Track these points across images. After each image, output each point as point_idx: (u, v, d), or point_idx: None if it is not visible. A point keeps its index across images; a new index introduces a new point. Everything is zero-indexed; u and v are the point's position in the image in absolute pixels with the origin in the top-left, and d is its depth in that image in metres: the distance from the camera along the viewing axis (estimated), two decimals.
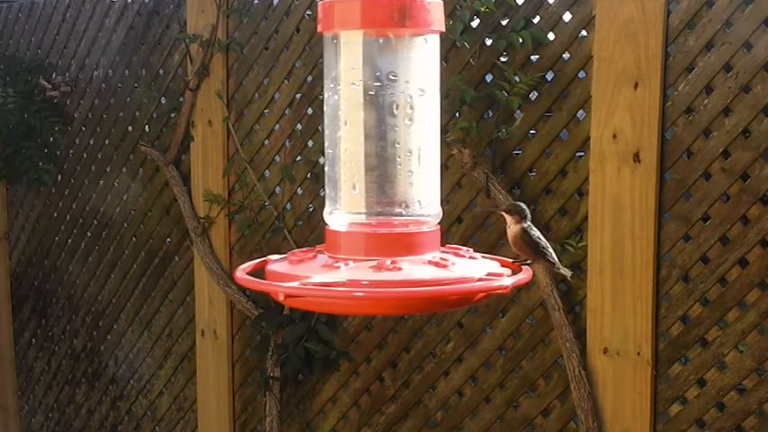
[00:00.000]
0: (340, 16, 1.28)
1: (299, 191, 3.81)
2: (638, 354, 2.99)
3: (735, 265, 2.84)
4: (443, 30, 1.30)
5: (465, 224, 3.34)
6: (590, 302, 3.06)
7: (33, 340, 5.23)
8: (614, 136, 2.95)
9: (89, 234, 4.72)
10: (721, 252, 2.86)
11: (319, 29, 1.30)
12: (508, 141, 3.19)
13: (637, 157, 2.92)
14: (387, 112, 1.30)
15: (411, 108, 1.31)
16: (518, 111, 3.18)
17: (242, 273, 1.31)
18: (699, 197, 2.88)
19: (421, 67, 1.32)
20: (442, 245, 1.38)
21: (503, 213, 1.62)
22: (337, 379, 3.80)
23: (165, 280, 4.39)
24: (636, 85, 2.89)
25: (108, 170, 4.55)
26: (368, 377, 3.71)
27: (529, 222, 1.59)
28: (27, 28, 4.85)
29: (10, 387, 5.33)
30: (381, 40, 1.30)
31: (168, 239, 4.34)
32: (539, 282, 3.11)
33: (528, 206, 3.09)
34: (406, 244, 1.31)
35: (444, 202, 3.35)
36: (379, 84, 1.29)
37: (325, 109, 1.35)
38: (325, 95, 1.34)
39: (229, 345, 4.11)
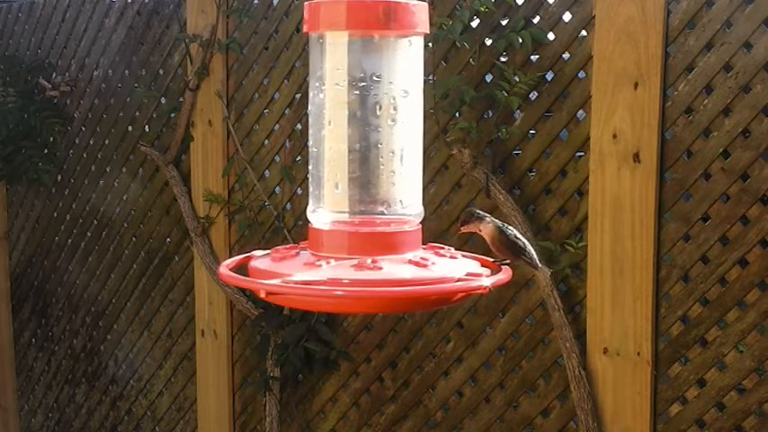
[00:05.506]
0: (325, 17, 1.28)
1: (299, 191, 3.81)
2: (638, 354, 2.98)
3: (735, 265, 2.83)
4: (428, 32, 1.31)
5: None
6: (590, 302, 3.05)
7: (33, 340, 5.23)
8: (614, 136, 2.94)
9: (89, 234, 4.73)
10: (721, 252, 2.85)
11: (305, 29, 1.31)
12: (508, 141, 3.18)
13: (637, 157, 2.91)
14: (370, 113, 1.31)
15: (394, 109, 1.31)
16: (518, 111, 3.17)
17: (225, 269, 1.32)
18: (699, 197, 2.87)
19: (405, 68, 1.32)
20: (425, 244, 1.38)
21: (469, 230, 1.59)
22: (337, 379, 3.80)
23: (165, 280, 4.39)
24: (636, 85, 2.89)
25: (108, 170, 4.55)
26: (368, 377, 3.70)
27: (503, 223, 1.56)
28: (27, 28, 4.86)
29: (10, 387, 5.34)
30: (366, 42, 1.30)
31: (168, 239, 4.34)
32: (539, 282, 3.10)
33: (528, 206, 3.13)
34: (387, 243, 1.32)
35: (444, 202, 3.36)
36: (363, 84, 1.29)
37: (310, 108, 1.36)
38: (311, 95, 1.35)
39: (229, 345, 4.11)
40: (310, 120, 1.35)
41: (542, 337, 3.22)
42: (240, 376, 4.13)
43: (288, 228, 3.82)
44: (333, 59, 1.30)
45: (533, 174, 3.18)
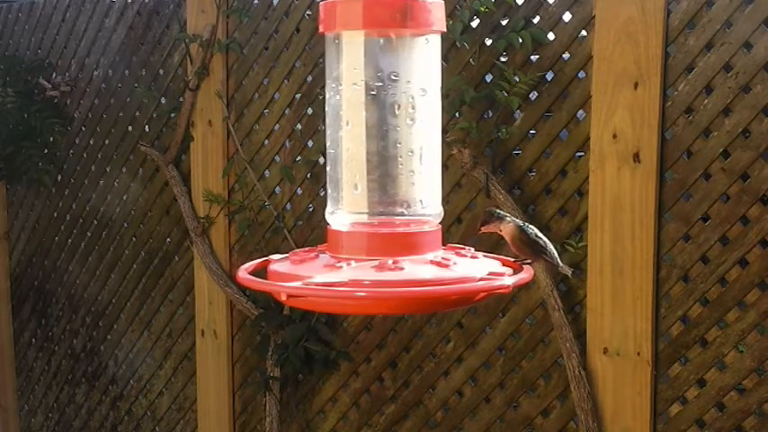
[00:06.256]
0: (342, 16, 1.28)
1: (299, 191, 3.81)
2: (638, 354, 2.99)
3: (735, 265, 2.84)
4: (444, 30, 1.31)
5: (465, 224, 3.34)
6: (590, 302, 3.06)
7: (33, 340, 5.23)
8: (614, 136, 2.95)
9: (89, 234, 4.72)
10: (721, 252, 2.86)
11: (321, 29, 1.30)
12: (508, 141, 3.19)
13: (637, 157, 2.92)
14: (388, 112, 1.30)
15: (412, 108, 1.31)
16: (518, 111, 3.18)
17: (244, 273, 1.31)
18: (699, 197, 2.88)
19: (422, 67, 1.32)
20: (444, 244, 1.38)
21: (489, 231, 1.59)
22: (337, 379, 3.80)
23: (165, 280, 4.39)
24: (636, 85, 2.89)
25: (108, 170, 4.55)
26: (368, 377, 3.71)
27: (523, 222, 1.57)
28: (27, 28, 4.85)
29: (10, 387, 5.33)
30: (383, 41, 1.30)
31: (168, 239, 4.34)
32: (539, 282, 3.11)
33: (528, 206, 3.14)
34: (407, 243, 1.31)
35: (444, 202, 3.34)
36: (380, 84, 1.29)
37: (326, 109, 1.35)
38: (327, 95, 1.34)
39: (229, 345, 4.11)
40: (327, 121, 1.35)
41: (542, 337, 3.23)
42: (240, 376, 4.14)
43: (288, 228, 3.83)
44: (349, 59, 1.29)
45: (533, 174, 3.19)
